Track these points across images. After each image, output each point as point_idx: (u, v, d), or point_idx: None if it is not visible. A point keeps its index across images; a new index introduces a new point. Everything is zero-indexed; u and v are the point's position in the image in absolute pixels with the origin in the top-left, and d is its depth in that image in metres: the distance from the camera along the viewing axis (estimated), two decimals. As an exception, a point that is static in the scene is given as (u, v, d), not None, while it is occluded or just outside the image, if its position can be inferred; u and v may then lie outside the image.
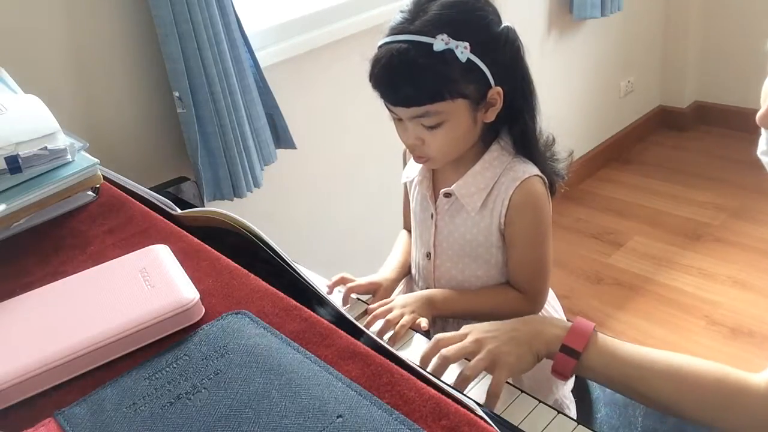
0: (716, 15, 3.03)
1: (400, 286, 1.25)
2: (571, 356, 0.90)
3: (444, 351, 0.90)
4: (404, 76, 0.99)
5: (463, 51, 0.97)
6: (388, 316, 1.03)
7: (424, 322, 1.03)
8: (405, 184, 1.24)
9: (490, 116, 1.05)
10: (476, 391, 0.90)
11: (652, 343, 2.04)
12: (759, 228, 2.51)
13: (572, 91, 2.79)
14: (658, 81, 3.24)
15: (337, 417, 0.54)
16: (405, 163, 1.24)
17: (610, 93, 3.00)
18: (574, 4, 2.52)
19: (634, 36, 2.97)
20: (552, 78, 2.64)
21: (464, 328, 0.95)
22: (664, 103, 3.29)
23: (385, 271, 1.22)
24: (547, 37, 2.56)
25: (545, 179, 1.10)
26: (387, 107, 1.05)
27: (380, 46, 1.01)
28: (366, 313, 1.08)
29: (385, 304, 1.07)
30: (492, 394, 0.86)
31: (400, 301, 1.08)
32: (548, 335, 0.92)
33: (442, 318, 1.17)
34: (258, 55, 1.62)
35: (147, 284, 0.71)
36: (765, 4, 2.89)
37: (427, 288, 1.19)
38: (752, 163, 0.83)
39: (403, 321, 1.02)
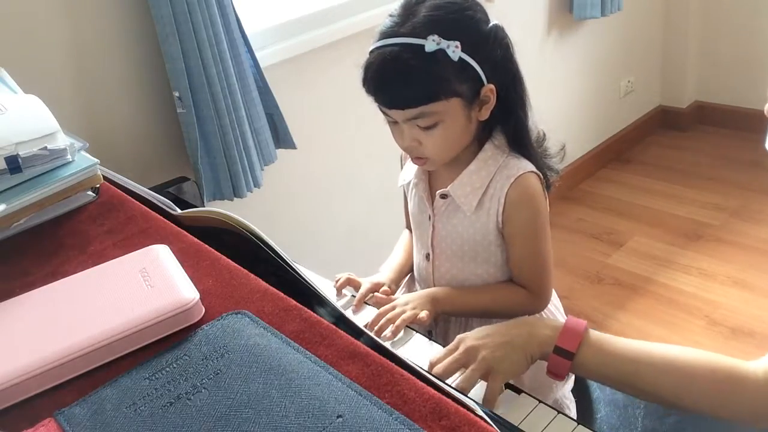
0: (716, 15, 3.03)
1: (402, 287, 1.25)
2: (565, 357, 0.89)
3: (436, 367, 0.90)
4: (398, 79, 0.99)
5: (454, 50, 0.98)
6: (388, 315, 1.04)
7: (423, 314, 1.04)
8: (403, 186, 1.24)
9: (484, 114, 1.06)
10: (476, 392, 0.90)
11: (652, 343, 2.04)
12: (759, 228, 2.51)
13: (572, 91, 2.79)
14: (658, 81, 3.24)
15: (337, 417, 0.54)
16: (402, 166, 1.24)
17: (610, 93, 3.00)
18: (574, 4, 2.52)
19: (634, 36, 2.97)
20: (552, 78, 2.64)
21: (456, 339, 0.94)
22: (664, 103, 3.29)
23: (387, 271, 1.22)
24: (547, 37, 2.56)
25: (540, 175, 1.10)
26: (382, 111, 1.05)
27: (371, 51, 1.02)
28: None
29: (389, 302, 1.08)
30: (487, 401, 0.86)
31: (403, 299, 1.08)
32: (541, 337, 0.91)
33: (445, 319, 1.17)
34: (258, 55, 1.62)
35: (147, 284, 0.71)
36: (764, 4, 2.89)
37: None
38: (752, 163, 0.83)
39: (404, 316, 1.03)
